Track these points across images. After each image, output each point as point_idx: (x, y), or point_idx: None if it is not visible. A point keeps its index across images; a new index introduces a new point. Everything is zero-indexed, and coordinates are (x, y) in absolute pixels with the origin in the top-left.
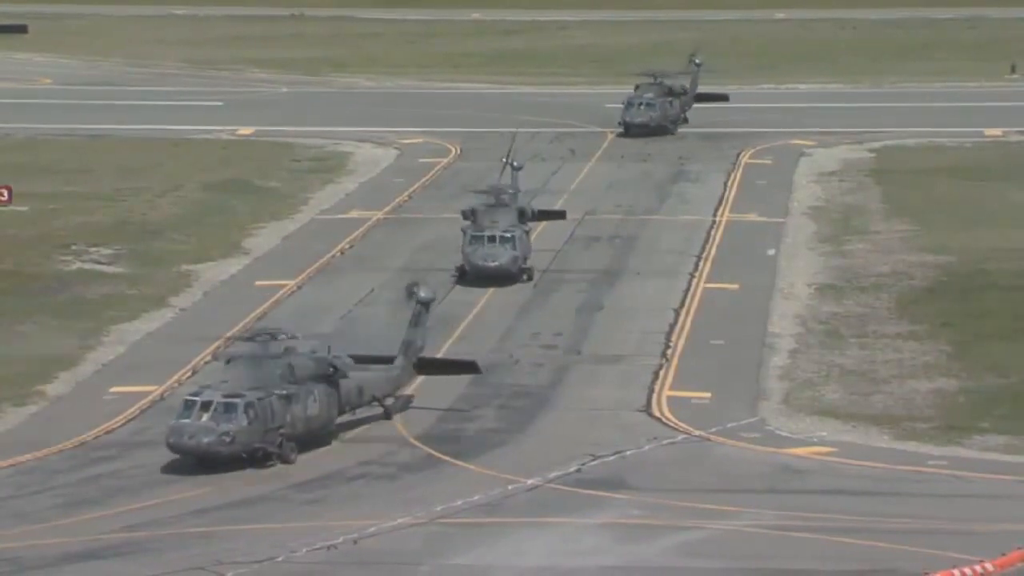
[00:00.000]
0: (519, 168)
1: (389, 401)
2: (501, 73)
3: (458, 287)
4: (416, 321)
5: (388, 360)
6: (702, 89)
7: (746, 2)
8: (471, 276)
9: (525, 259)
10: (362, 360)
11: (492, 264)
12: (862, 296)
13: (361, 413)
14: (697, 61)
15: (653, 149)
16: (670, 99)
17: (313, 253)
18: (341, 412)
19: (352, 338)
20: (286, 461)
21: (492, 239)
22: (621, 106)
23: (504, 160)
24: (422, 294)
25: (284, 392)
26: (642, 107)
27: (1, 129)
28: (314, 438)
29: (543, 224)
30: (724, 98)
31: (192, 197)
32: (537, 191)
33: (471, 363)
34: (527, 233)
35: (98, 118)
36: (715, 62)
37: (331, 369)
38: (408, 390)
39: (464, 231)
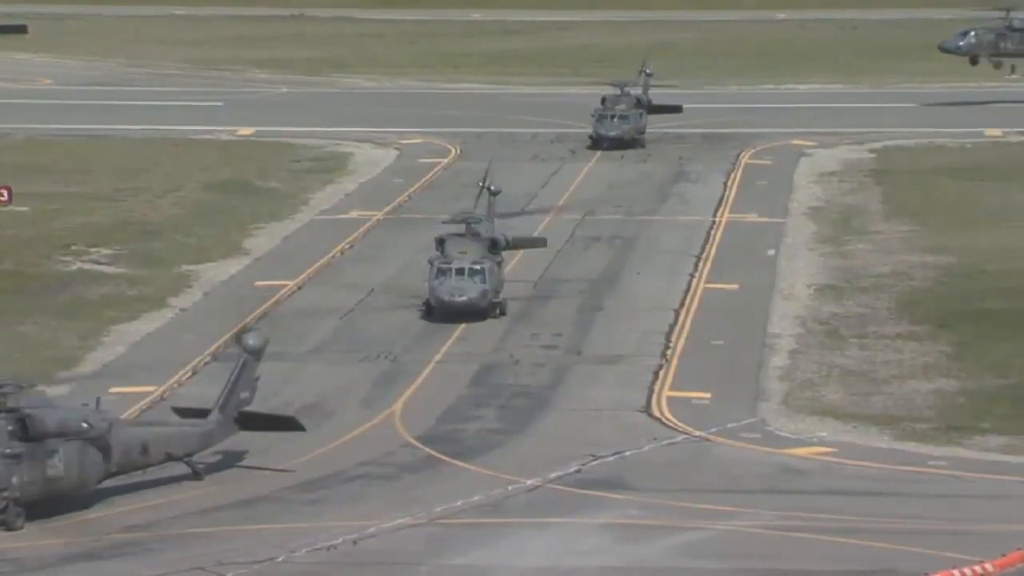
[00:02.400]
0: (496, 193)
1: (212, 459)
2: (501, 73)
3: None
4: (242, 371)
5: (203, 414)
6: (653, 99)
7: (747, 2)
8: (437, 312)
9: (496, 292)
10: (185, 414)
11: (459, 299)
12: (862, 296)
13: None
14: (648, 71)
15: (653, 150)
16: (639, 111)
17: (313, 253)
18: (112, 473)
19: (351, 340)
20: (10, 528)
21: (460, 271)
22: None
23: (480, 184)
24: (251, 342)
25: (10, 451)
26: (615, 119)
27: (1, 129)
28: (65, 501)
29: (543, 223)
30: (677, 109)
31: (192, 197)
32: (515, 213)
33: (291, 419)
34: (499, 264)
35: (98, 118)
36: (716, 62)
37: (84, 425)
38: (229, 445)
39: (430, 263)
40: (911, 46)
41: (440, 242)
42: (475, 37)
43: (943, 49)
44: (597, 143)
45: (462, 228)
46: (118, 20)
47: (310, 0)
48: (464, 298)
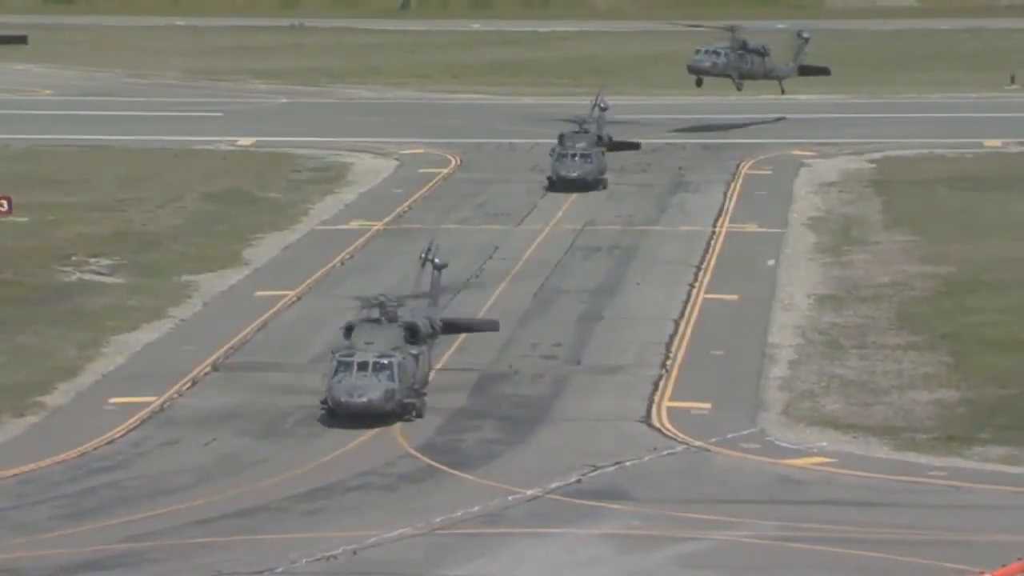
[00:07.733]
0: (442, 267)
1: None
2: (501, 83)
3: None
4: None
5: None
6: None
7: (746, 13)
8: (338, 414)
9: (414, 390)
10: None
11: (358, 400)
12: (862, 307)
13: None
14: (602, 105)
15: (652, 159)
16: (601, 149)
17: (313, 264)
18: None
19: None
20: None
21: (362, 366)
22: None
23: (423, 256)
24: None
25: None
26: (576, 159)
27: (1, 140)
28: None
29: (544, 232)
30: (635, 146)
31: (192, 208)
32: (461, 287)
33: None
34: (417, 357)
35: (98, 129)
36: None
37: None
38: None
39: (333, 354)
40: (911, 57)
41: (348, 330)
42: (475, 47)
43: (691, 70)
44: (556, 185)
45: (376, 313)
46: (117, 30)
47: (310, 10)
48: (363, 399)
